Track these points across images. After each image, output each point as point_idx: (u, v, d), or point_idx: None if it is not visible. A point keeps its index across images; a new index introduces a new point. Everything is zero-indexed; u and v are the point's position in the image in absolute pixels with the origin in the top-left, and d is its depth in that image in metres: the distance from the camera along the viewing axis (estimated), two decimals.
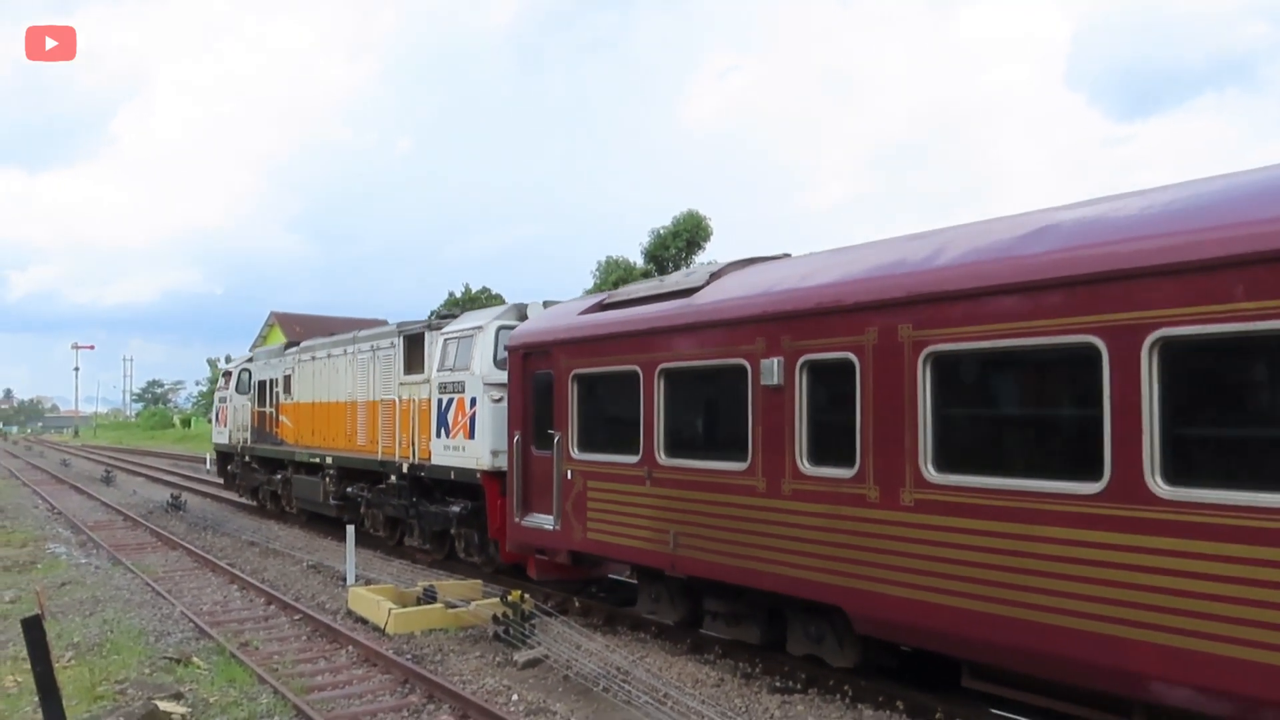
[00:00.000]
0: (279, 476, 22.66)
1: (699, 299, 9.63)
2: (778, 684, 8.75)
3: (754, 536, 8.58)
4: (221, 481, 27.60)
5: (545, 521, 11.44)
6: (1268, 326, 5.29)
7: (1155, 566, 5.76)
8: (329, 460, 18.93)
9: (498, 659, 9.84)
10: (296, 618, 12.04)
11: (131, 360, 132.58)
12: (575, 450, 10.99)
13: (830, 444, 7.99)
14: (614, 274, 45.85)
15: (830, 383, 8.04)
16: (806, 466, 8.10)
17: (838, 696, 8.29)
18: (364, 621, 11.64)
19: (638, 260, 47.21)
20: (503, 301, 54.19)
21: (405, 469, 15.73)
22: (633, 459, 10.10)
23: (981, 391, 7.34)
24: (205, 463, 39.16)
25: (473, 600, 11.61)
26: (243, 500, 25.91)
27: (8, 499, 29.48)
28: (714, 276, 9.92)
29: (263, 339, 67.17)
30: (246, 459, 24.71)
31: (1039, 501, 6.37)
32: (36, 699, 7.08)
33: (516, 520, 12.06)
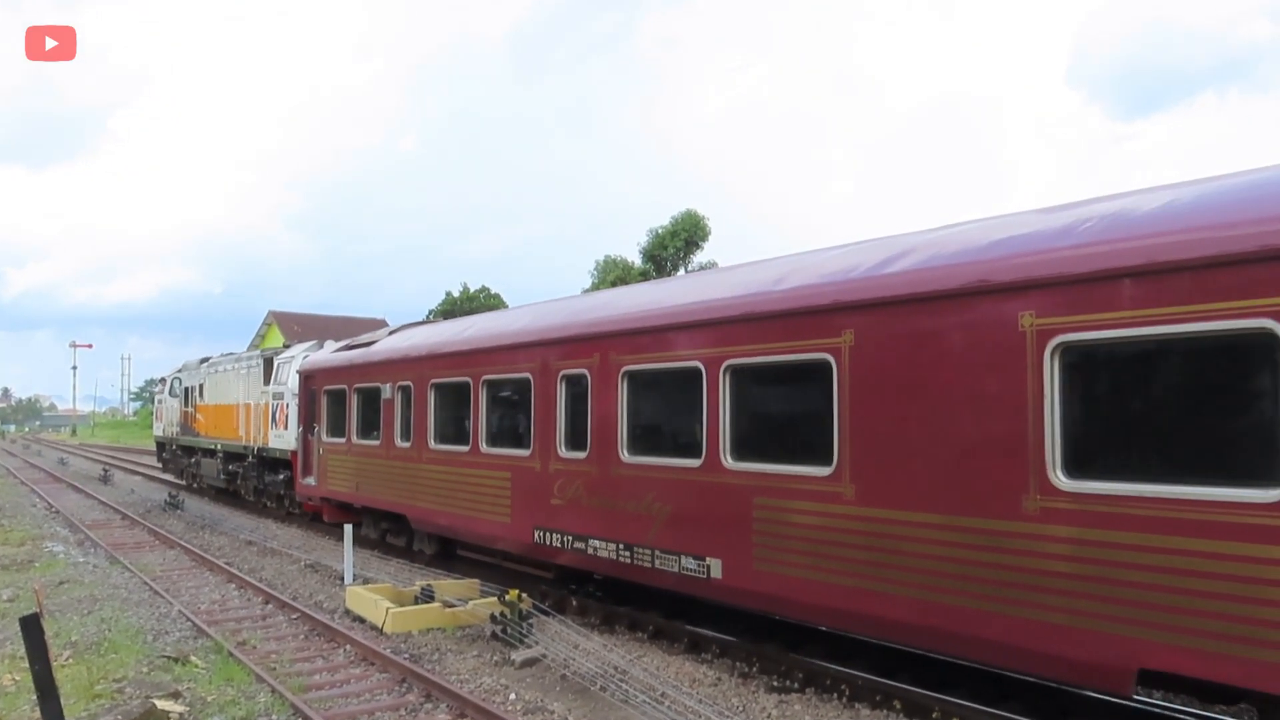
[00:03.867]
0: (193, 460, 29.97)
1: (372, 349, 16.69)
2: (775, 683, 8.77)
3: (383, 480, 15.52)
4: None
5: (312, 481, 18.62)
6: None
7: (473, 482, 12.75)
8: (219, 446, 26.52)
9: (495, 658, 9.85)
10: (294, 617, 12.05)
11: (130, 359, 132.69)
12: (324, 436, 17.95)
13: (405, 429, 14.72)
14: (612, 273, 45.82)
15: (404, 399, 14.83)
16: (398, 441, 14.89)
17: (835, 696, 8.31)
18: (362, 620, 11.65)
19: (636, 260, 47.18)
20: (502, 301, 54.08)
21: (256, 450, 23.46)
22: (343, 440, 17.11)
23: (453, 403, 13.66)
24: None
25: (470, 599, 11.62)
26: (175, 480, 32.99)
27: (6, 497, 29.46)
28: (392, 333, 17.18)
29: (260, 338, 67.09)
30: (174, 447, 32.35)
31: (453, 456, 13.36)
32: (35, 697, 7.09)
33: (301, 481, 19.26)
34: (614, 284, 40.06)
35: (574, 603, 11.94)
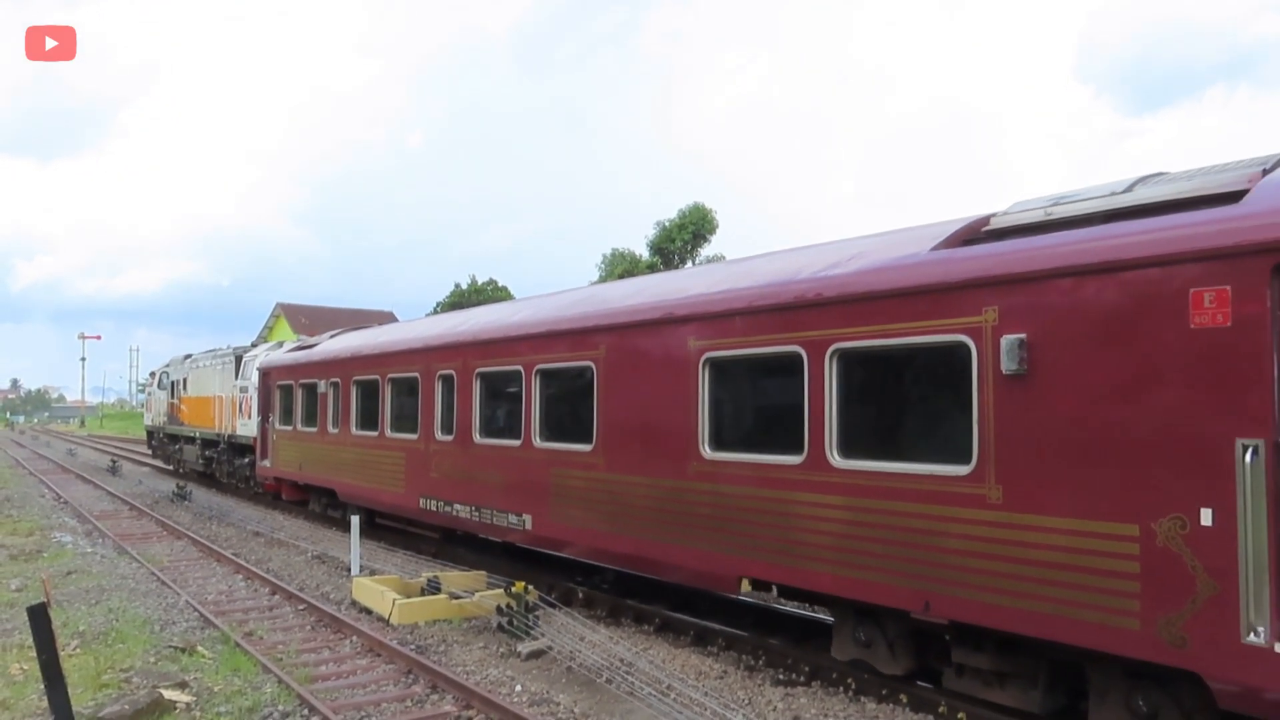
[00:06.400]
0: (177, 447, 33.12)
1: (313, 350, 19.71)
2: (781, 676, 8.73)
3: (319, 461, 18.56)
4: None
5: (268, 463, 21.65)
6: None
7: (381, 461, 15.73)
8: (197, 434, 29.80)
9: (501, 650, 9.83)
10: (301, 608, 12.04)
11: (138, 350, 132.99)
12: (277, 424, 20.92)
13: (335, 418, 17.55)
14: (619, 266, 45.81)
15: (335, 393, 17.66)
16: (330, 428, 17.74)
17: (841, 689, 8.26)
18: (368, 612, 11.65)
19: (643, 253, 47.14)
20: (509, 294, 54.04)
21: (227, 437, 26.72)
22: (290, 428, 19.97)
23: (368, 397, 16.29)
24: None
25: (477, 591, 11.63)
26: (163, 466, 36.14)
27: (14, 488, 29.56)
28: (333, 337, 20.31)
29: (268, 330, 67.22)
30: (162, 435, 35.94)
31: (368, 440, 16.22)
32: (42, 687, 7.11)
33: (260, 463, 22.28)
34: (621, 276, 40.06)
35: (580, 595, 11.94)
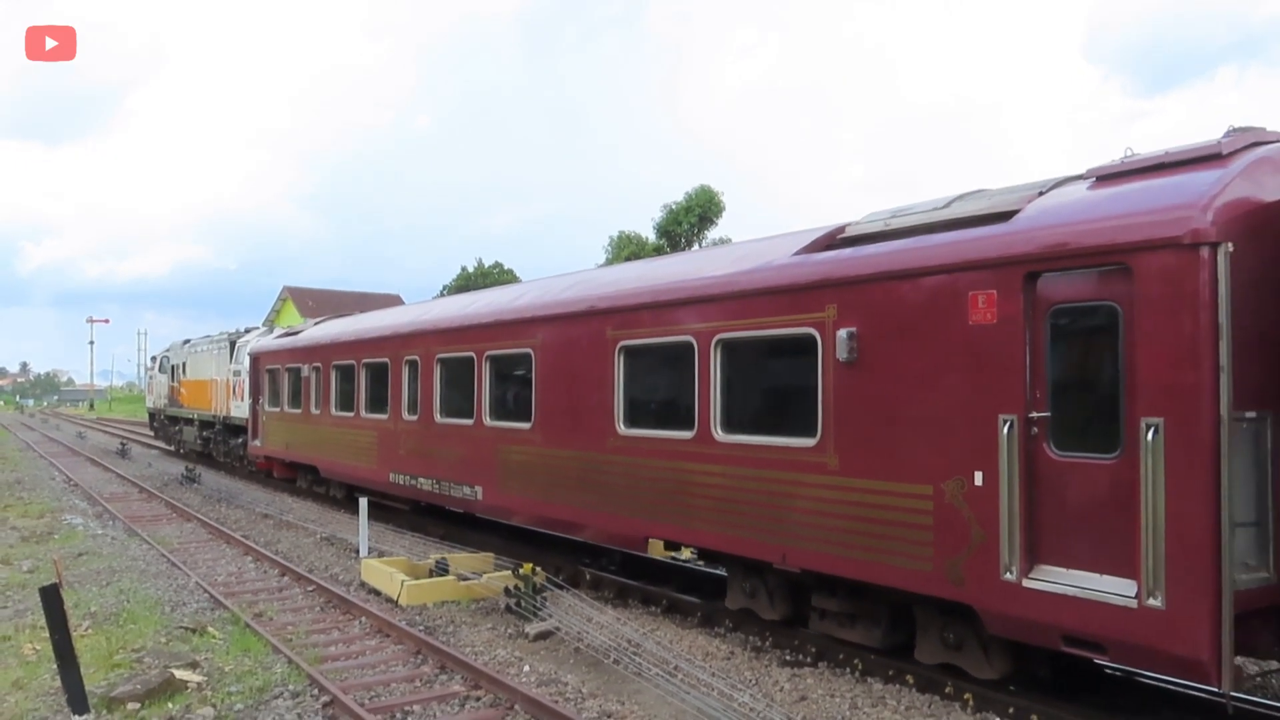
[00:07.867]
0: (177, 428, 35.19)
1: (298, 337, 21.52)
2: (788, 657, 8.81)
3: (304, 440, 19.99)
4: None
5: (258, 443, 23.12)
6: None
7: (357, 439, 17.39)
8: (195, 416, 31.74)
9: (509, 631, 9.92)
10: (310, 589, 12.14)
11: (146, 334, 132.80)
12: (266, 406, 22.40)
13: (318, 400, 18.96)
14: (626, 249, 45.76)
15: (317, 376, 19.13)
16: (313, 410, 19.14)
17: (848, 670, 8.34)
18: (377, 593, 11.74)
19: (650, 236, 47.03)
20: (515, 276, 54.01)
21: (222, 419, 28.36)
22: (278, 410, 21.47)
23: (346, 380, 17.79)
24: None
25: (484, 573, 11.71)
26: (166, 447, 37.88)
27: (25, 471, 29.73)
28: (316, 324, 22.20)
29: (276, 313, 67.31)
30: (163, 417, 38.07)
31: (345, 420, 17.73)
32: (55, 666, 7.19)
33: (251, 442, 23.80)
34: (628, 259, 40.06)
35: (588, 577, 12.02)
